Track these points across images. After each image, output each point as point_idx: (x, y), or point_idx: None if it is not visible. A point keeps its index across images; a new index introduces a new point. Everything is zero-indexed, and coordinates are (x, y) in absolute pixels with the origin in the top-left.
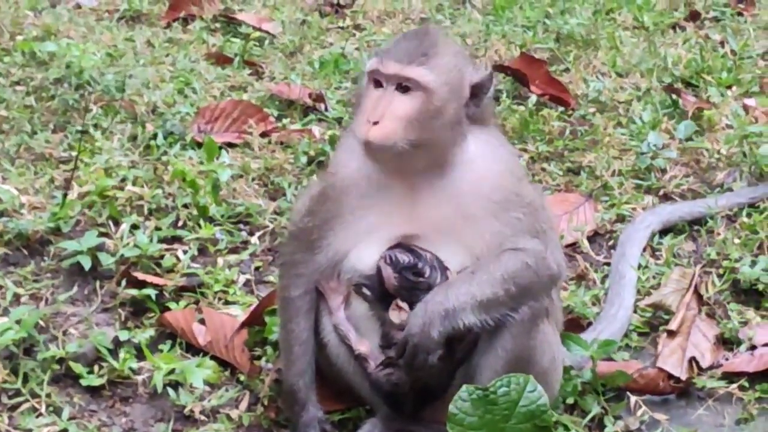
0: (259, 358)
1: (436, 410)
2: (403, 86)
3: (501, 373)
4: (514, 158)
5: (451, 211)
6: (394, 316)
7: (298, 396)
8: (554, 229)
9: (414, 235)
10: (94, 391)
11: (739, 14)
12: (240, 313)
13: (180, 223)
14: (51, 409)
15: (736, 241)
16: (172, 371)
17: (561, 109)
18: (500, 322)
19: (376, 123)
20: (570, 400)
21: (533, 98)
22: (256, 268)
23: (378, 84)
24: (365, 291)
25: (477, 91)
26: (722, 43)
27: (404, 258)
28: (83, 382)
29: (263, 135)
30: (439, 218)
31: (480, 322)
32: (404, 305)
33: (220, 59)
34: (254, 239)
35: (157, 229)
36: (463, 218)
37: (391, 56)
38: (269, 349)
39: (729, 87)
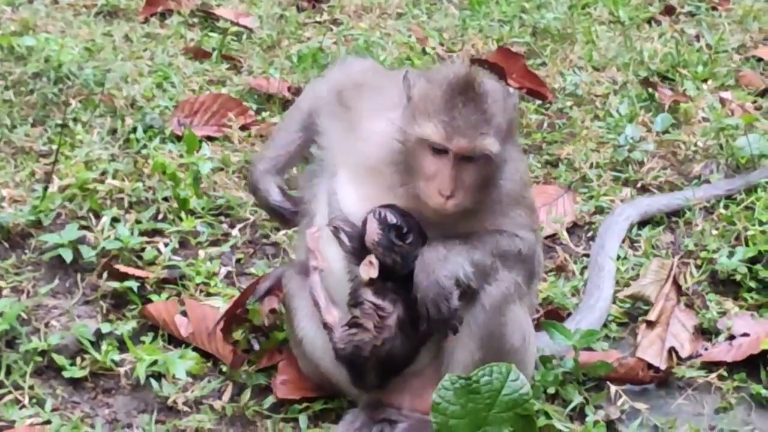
0: (247, 351)
1: (413, 397)
2: (471, 156)
3: (472, 347)
4: (525, 165)
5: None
6: (364, 271)
7: (256, 178)
8: (539, 233)
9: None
10: (76, 383)
11: (714, 8)
12: (222, 305)
13: (160, 216)
14: (34, 401)
15: (714, 232)
16: (154, 363)
17: (538, 102)
18: (476, 293)
19: (450, 197)
20: (551, 390)
21: None
22: (238, 260)
23: (440, 152)
24: (342, 237)
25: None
26: (697, 38)
27: (393, 218)
28: (66, 374)
29: (243, 128)
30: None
31: (471, 276)
32: (375, 262)
33: (199, 54)
34: (235, 231)
35: (138, 222)
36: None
37: (457, 131)
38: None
39: (704, 81)
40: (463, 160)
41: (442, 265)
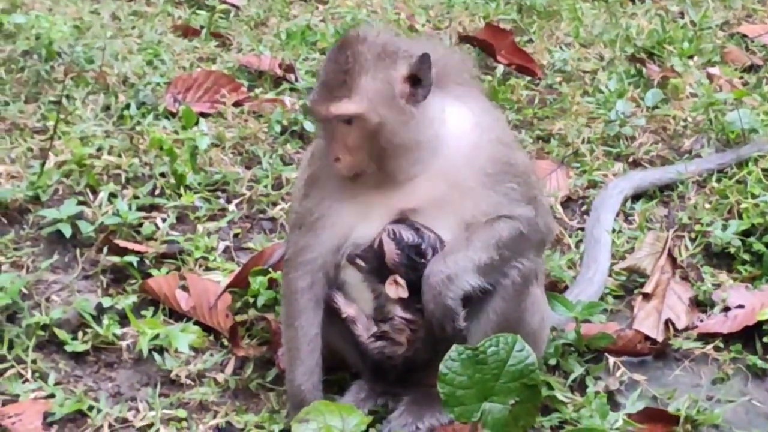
0: (243, 324)
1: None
2: (344, 119)
3: (490, 334)
4: (501, 123)
5: (446, 186)
6: (391, 291)
7: (305, 397)
8: (543, 192)
9: (411, 209)
10: (78, 357)
11: None
12: (222, 279)
13: (158, 192)
14: (37, 374)
15: (707, 205)
16: (156, 336)
17: (528, 78)
18: (492, 286)
19: (338, 159)
20: (552, 361)
21: (500, 68)
22: (235, 235)
23: (326, 120)
24: (359, 262)
25: (416, 78)
26: (681, 14)
27: (408, 236)
28: (68, 348)
29: (236, 104)
30: (435, 194)
31: (480, 284)
32: (402, 281)
33: (187, 31)
34: (232, 207)
35: (136, 197)
36: (459, 192)
37: (318, 97)
38: (252, 312)
39: (690, 57)
40: (343, 123)
41: (447, 287)
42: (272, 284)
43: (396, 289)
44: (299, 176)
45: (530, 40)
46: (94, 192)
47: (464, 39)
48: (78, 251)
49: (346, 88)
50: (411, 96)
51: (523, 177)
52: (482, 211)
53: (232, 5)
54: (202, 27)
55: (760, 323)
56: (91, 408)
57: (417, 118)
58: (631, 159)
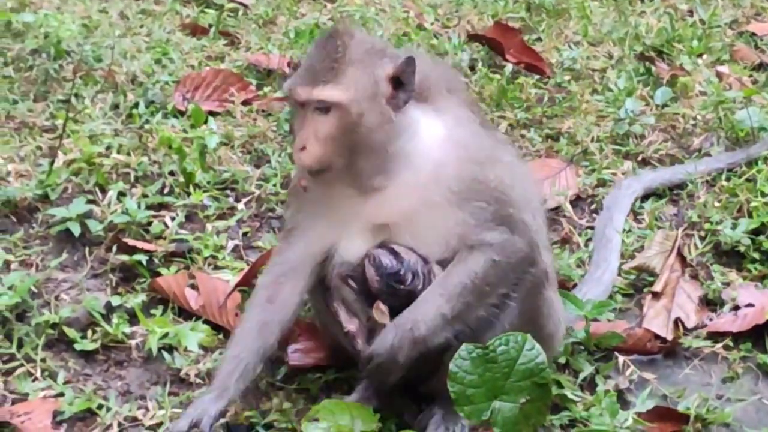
0: None
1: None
2: (322, 107)
3: None
4: (477, 138)
5: (415, 201)
6: (377, 315)
7: (221, 383)
8: (528, 207)
9: (386, 224)
10: (88, 356)
11: None
12: (231, 278)
13: (166, 190)
14: (46, 373)
15: (717, 204)
16: (165, 335)
17: (537, 77)
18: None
19: (304, 148)
20: (562, 360)
21: (509, 67)
22: (244, 234)
23: (300, 106)
24: (351, 283)
25: (399, 81)
26: (690, 12)
27: (387, 262)
28: (77, 347)
29: (245, 103)
30: (407, 208)
31: (457, 332)
32: (384, 308)
33: (196, 30)
34: (241, 205)
35: (145, 196)
36: (428, 209)
37: (300, 80)
38: None
39: (700, 55)
40: (319, 112)
41: (409, 346)
42: None
43: (381, 315)
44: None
45: (539, 39)
46: (103, 190)
47: (473, 37)
48: (87, 250)
49: (332, 74)
50: (392, 98)
51: (494, 195)
52: (453, 229)
53: (241, 4)
54: (210, 25)
55: None
56: (100, 407)
57: (393, 123)
58: (640, 157)
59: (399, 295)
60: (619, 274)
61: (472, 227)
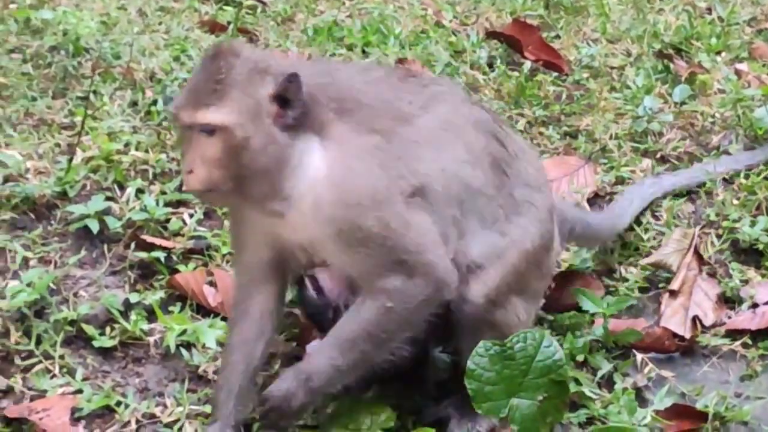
0: None
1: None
2: (206, 129)
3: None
4: (360, 178)
5: (310, 235)
6: None
7: (215, 410)
8: (421, 247)
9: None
10: (106, 353)
11: None
12: None
13: (184, 187)
14: (65, 370)
15: (735, 202)
16: (184, 332)
17: (555, 74)
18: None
19: (191, 172)
20: (580, 357)
21: (527, 64)
22: None
23: (186, 128)
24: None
25: (285, 100)
26: (709, 10)
27: (310, 292)
28: (95, 344)
29: None
30: (308, 239)
31: (355, 379)
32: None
33: (214, 27)
34: None
35: (163, 193)
36: (321, 246)
37: (184, 103)
38: None
39: (718, 53)
40: (204, 135)
41: (303, 394)
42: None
43: None
44: None
45: (557, 36)
46: (122, 188)
47: (491, 35)
48: (105, 247)
49: (216, 96)
50: (279, 118)
51: (378, 242)
52: (347, 271)
53: (260, 1)
54: (229, 23)
55: None
56: (118, 403)
57: (281, 145)
58: (658, 155)
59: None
60: (635, 267)
61: (363, 273)
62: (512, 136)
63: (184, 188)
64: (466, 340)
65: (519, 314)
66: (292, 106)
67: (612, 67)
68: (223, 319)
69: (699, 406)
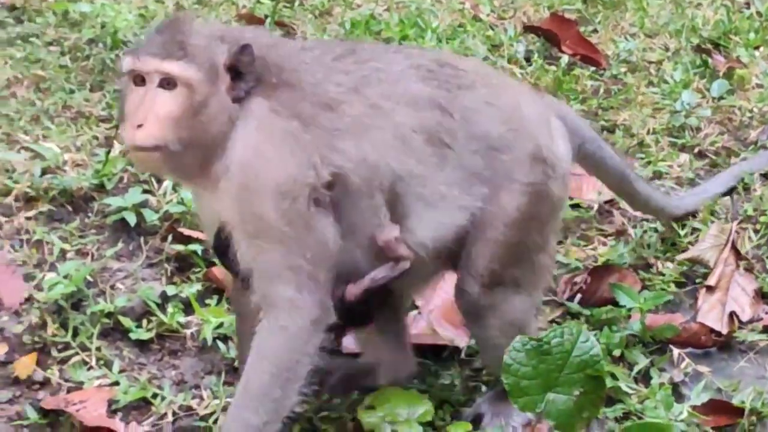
0: None
1: None
2: (166, 83)
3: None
4: (270, 162)
5: (227, 218)
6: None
7: None
8: (315, 257)
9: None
10: (143, 345)
11: None
12: None
13: None
14: (101, 362)
15: None
16: (220, 325)
17: (592, 68)
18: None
19: (141, 126)
20: (617, 352)
21: (565, 58)
22: None
23: (140, 82)
24: None
25: (237, 71)
26: (747, 5)
27: None
28: (132, 336)
29: None
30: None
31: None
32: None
33: (252, 20)
34: None
35: None
36: (232, 230)
37: (148, 51)
38: None
39: (756, 48)
40: (162, 89)
41: None
42: None
43: None
44: None
45: (595, 30)
46: (159, 180)
47: (529, 29)
48: (142, 239)
49: (182, 52)
50: (231, 89)
51: (276, 237)
52: (244, 263)
53: None
54: (266, 16)
55: None
56: (155, 396)
57: (230, 116)
58: (696, 150)
59: None
60: (672, 262)
61: (260, 272)
62: (467, 95)
63: (126, 143)
64: (475, 331)
65: (523, 287)
66: (244, 78)
67: (650, 62)
68: None
69: (735, 401)
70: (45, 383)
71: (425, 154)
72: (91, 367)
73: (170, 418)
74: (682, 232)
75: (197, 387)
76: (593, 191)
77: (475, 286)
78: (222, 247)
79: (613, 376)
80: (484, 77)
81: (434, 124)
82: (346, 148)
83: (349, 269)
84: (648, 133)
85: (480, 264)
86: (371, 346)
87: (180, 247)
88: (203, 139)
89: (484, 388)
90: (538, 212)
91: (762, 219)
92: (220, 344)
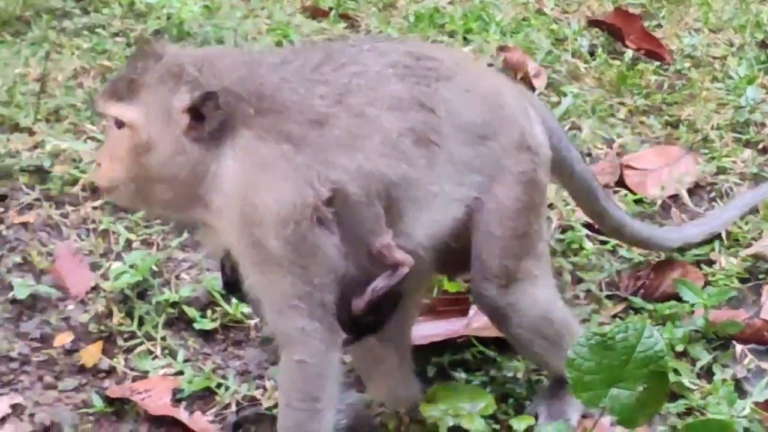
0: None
1: None
2: (119, 123)
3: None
4: (266, 191)
5: (232, 249)
6: None
7: None
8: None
9: None
10: (207, 335)
11: None
12: None
13: None
14: (166, 351)
15: None
16: None
17: (657, 63)
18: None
19: (99, 165)
20: (679, 348)
21: (629, 53)
22: None
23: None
24: None
25: (200, 114)
26: None
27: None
28: (197, 326)
29: None
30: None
31: None
32: None
33: (316, 12)
34: None
35: None
36: (238, 261)
37: (104, 90)
38: None
39: None
40: (114, 127)
41: None
42: None
43: None
44: None
45: (659, 25)
46: None
47: (593, 23)
48: None
49: (130, 93)
50: (192, 130)
51: (284, 266)
52: (255, 295)
53: None
54: (331, 8)
55: None
56: (219, 386)
57: (191, 157)
58: (760, 146)
59: None
60: (734, 257)
61: (271, 304)
62: (446, 86)
63: (93, 179)
64: (504, 332)
65: (539, 277)
66: (208, 121)
67: (714, 57)
68: None
69: None
70: (110, 372)
71: (415, 157)
72: (156, 357)
73: (234, 408)
74: (745, 228)
75: (261, 377)
76: (656, 187)
77: (492, 289)
78: (231, 280)
79: (676, 372)
80: (460, 65)
81: (420, 124)
82: (341, 161)
83: (356, 282)
84: (712, 128)
85: (493, 264)
86: (373, 384)
87: None
88: (162, 179)
89: (546, 382)
90: (533, 200)
91: None
92: None
